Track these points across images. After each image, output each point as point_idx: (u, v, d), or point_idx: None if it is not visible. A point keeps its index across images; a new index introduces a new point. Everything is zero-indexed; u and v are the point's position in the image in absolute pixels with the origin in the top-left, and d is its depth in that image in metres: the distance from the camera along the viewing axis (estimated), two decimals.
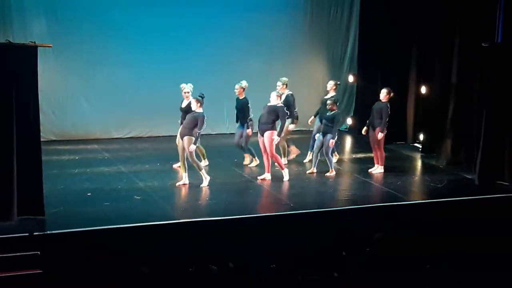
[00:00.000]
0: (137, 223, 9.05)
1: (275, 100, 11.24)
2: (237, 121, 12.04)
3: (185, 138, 10.65)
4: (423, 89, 13.53)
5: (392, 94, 11.88)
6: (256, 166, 12.09)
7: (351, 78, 15.63)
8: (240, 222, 9.42)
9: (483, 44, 11.20)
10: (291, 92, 12.26)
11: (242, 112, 11.83)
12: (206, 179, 10.88)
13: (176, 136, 11.39)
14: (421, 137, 13.79)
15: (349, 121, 15.65)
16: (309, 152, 12.53)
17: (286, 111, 11.31)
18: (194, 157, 10.76)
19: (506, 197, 10.74)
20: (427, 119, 13.52)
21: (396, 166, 12.42)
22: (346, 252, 8.36)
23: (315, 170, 11.78)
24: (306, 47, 15.62)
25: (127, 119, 14.50)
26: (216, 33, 14.54)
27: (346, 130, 15.61)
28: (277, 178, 11.39)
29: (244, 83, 11.88)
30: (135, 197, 10.26)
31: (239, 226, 9.35)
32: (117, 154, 13.06)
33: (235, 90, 11.88)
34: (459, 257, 8.13)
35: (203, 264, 7.70)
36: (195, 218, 9.46)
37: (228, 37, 14.63)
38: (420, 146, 13.80)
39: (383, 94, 11.84)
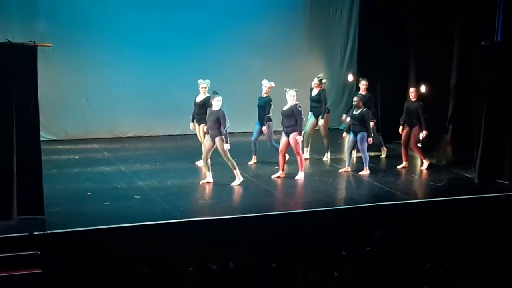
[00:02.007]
0: (137, 222, 9.06)
1: (291, 100, 11.28)
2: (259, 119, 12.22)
3: (217, 139, 10.70)
4: (423, 88, 13.50)
5: (420, 91, 12.18)
6: (253, 164, 12.20)
7: (350, 77, 15.61)
8: (240, 221, 9.42)
9: (482, 43, 11.19)
10: (324, 88, 12.66)
11: (263, 110, 11.96)
12: (239, 179, 10.92)
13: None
14: (421, 136, 13.77)
15: (348, 120, 15.60)
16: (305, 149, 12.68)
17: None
18: (229, 155, 10.81)
19: (506, 196, 10.75)
20: (427, 117, 13.49)
21: (396, 165, 12.43)
22: (346, 251, 8.36)
23: (349, 169, 11.92)
24: (305, 46, 15.62)
25: (127, 118, 14.49)
26: (215, 32, 14.52)
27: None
28: (278, 177, 11.40)
29: (273, 84, 12.02)
30: (135, 196, 10.27)
31: (239, 225, 9.36)
32: (117, 154, 13.06)
33: (265, 89, 11.99)
34: (458, 256, 8.13)
35: (203, 263, 7.70)
36: (195, 217, 9.47)
37: (227, 36, 14.61)
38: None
39: (413, 93, 12.12)
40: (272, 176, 11.44)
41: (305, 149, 12.73)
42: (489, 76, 11.27)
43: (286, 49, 15.33)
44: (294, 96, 11.29)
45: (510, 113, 11.22)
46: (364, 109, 11.79)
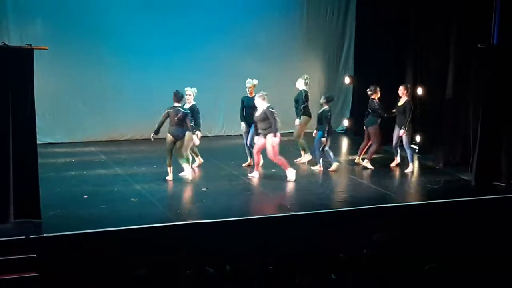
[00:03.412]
0: (134, 225, 9.05)
1: (260, 103, 11.30)
2: (242, 120, 12.13)
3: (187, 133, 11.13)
4: (419, 90, 13.53)
5: (378, 92, 12.41)
6: (249, 166, 12.22)
7: (347, 80, 15.62)
8: (237, 224, 9.41)
9: (479, 45, 11.21)
10: (303, 89, 12.52)
11: (253, 109, 11.81)
12: (188, 173, 11.06)
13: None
14: (418, 138, 13.79)
15: (346, 122, 15.64)
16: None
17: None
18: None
19: (503, 198, 10.76)
20: (424, 120, 13.52)
21: (397, 169, 12.42)
22: (344, 253, 8.35)
23: (321, 168, 12.03)
24: (302, 49, 15.62)
25: (124, 121, 14.47)
26: (213, 35, 14.52)
27: (343, 131, 15.61)
28: (274, 179, 11.40)
29: (255, 81, 12.01)
30: (132, 199, 10.26)
31: (236, 228, 9.35)
32: (114, 157, 13.05)
33: (247, 89, 11.99)
34: (456, 258, 8.13)
35: (200, 266, 7.69)
36: (192, 220, 9.46)
37: (224, 39, 14.61)
38: (417, 147, 13.80)
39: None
40: (249, 175, 11.49)
41: (302, 152, 12.67)
42: (486, 79, 11.28)
43: (282, 51, 15.33)
44: (262, 99, 11.25)
45: (506, 115, 11.24)
46: (324, 108, 11.79)
